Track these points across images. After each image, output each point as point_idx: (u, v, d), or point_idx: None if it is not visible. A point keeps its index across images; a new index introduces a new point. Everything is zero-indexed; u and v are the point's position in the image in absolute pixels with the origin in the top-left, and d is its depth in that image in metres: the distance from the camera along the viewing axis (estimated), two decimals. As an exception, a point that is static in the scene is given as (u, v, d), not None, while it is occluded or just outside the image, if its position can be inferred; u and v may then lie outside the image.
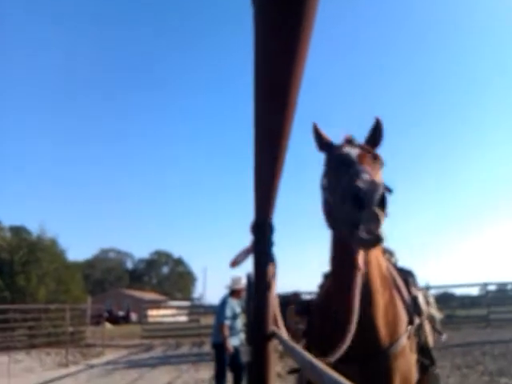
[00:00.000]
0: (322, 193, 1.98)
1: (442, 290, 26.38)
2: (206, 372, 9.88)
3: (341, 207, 1.58)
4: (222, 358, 6.84)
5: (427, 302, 2.99)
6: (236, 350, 6.91)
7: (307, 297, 6.52)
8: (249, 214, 2.23)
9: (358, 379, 1.87)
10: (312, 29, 0.74)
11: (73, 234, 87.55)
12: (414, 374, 2.25)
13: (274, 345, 2.26)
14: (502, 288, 28.47)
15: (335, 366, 1.79)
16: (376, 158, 1.91)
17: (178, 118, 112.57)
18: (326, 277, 2.71)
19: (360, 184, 1.48)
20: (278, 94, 0.98)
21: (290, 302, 2.22)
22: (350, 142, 1.97)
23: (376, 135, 2.09)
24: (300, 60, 0.83)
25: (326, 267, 2.74)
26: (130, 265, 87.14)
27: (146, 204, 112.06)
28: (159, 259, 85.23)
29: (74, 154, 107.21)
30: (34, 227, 24.65)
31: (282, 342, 1.88)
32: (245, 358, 6.46)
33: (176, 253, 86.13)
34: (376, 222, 1.46)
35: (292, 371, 3.21)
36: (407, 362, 2.15)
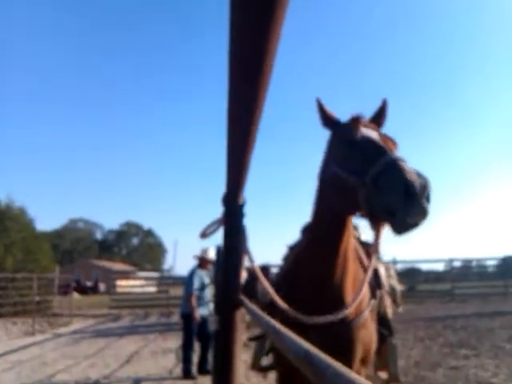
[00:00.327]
0: (328, 167, 1.99)
1: (408, 265, 27.26)
2: (174, 341, 10.00)
3: (375, 190, 1.60)
4: (190, 328, 6.95)
5: (389, 275, 3.10)
6: (204, 319, 7.03)
7: (274, 270, 6.63)
8: (221, 186, 2.25)
9: (321, 347, 1.94)
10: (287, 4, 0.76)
11: (42, 203, 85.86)
12: (374, 344, 2.36)
13: (241, 314, 2.32)
14: (466, 264, 29.61)
15: (299, 333, 1.87)
16: (394, 142, 1.91)
17: (150, 86, 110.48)
18: (291, 249, 2.76)
19: (410, 177, 1.51)
20: (253, 67, 0.99)
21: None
22: (363, 122, 1.96)
23: (381, 116, 2.11)
24: (274, 34, 0.85)
25: (294, 240, 2.81)
26: (99, 235, 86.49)
27: (118, 175, 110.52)
28: (129, 230, 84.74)
29: (44, 121, 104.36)
30: (1, 196, 24.10)
31: (248, 310, 1.93)
32: (213, 327, 6.58)
33: (147, 224, 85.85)
34: (423, 215, 1.53)
35: (253, 338, 3.30)
36: (369, 332, 2.26)
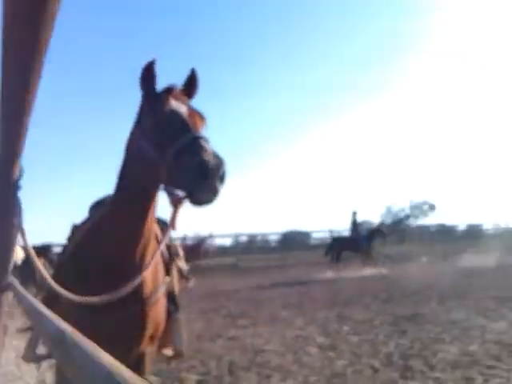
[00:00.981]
0: (136, 138, 1.91)
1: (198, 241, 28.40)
2: None
3: (174, 166, 1.63)
4: None
5: (177, 255, 3.14)
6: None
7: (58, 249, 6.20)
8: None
9: (113, 327, 1.95)
10: None
11: None
12: (164, 320, 2.37)
13: (10, 300, 2.04)
14: (251, 239, 32.23)
15: (87, 315, 1.81)
16: (202, 117, 1.91)
17: None
18: (77, 227, 2.58)
19: (207, 157, 1.54)
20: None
21: (39, 254, 2.01)
22: (174, 94, 1.91)
23: (191, 87, 2.05)
24: None
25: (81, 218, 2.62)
26: None
27: None
28: None
29: None
30: None
31: (15, 293, 1.70)
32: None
33: None
34: (214, 194, 1.60)
35: (27, 328, 3.01)
36: (161, 308, 2.27)
